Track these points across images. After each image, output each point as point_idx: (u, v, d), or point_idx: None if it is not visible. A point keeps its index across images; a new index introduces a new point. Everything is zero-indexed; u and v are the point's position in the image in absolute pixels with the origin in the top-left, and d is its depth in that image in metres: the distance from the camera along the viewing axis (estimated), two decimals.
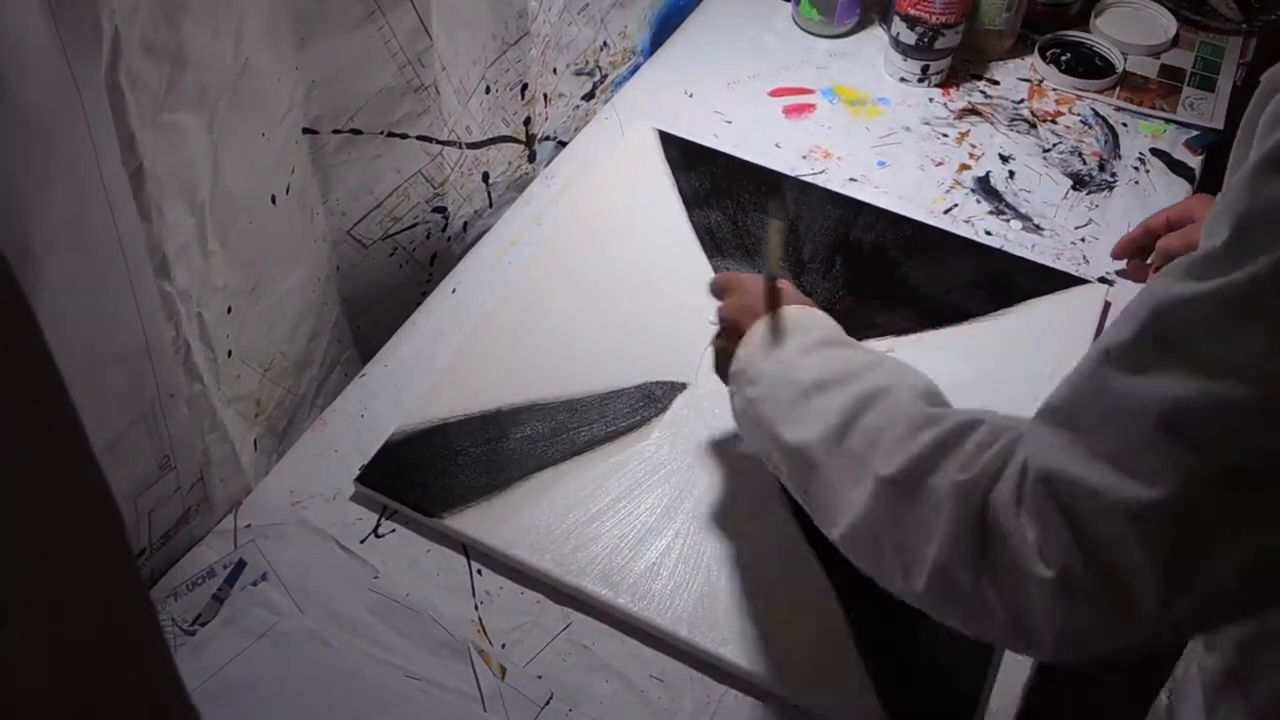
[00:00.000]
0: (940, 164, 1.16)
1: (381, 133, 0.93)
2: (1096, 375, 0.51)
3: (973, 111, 1.23)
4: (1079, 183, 1.15)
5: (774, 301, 0.75)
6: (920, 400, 0.62)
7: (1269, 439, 0.46)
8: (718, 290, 0.82)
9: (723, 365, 0.77)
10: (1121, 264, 1.06)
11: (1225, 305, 0.46)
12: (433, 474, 0.86)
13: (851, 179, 1.14)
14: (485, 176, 1.10)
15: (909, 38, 1.22)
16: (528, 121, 1.13)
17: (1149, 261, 1.04)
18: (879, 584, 0.61)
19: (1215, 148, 1.19)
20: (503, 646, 0.78)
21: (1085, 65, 1.27)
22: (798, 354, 0.70)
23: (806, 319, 0.73)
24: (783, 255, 0.79)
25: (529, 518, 0.83)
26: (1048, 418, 0.53)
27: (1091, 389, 0.51)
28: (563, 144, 1.19)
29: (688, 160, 1.12)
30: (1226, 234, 0.46)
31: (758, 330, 0.73)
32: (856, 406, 0.63)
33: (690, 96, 1.23)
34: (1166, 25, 1.31)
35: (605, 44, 1.22)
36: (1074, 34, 1.30)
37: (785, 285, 0.77)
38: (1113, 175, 1.16)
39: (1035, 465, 0.52)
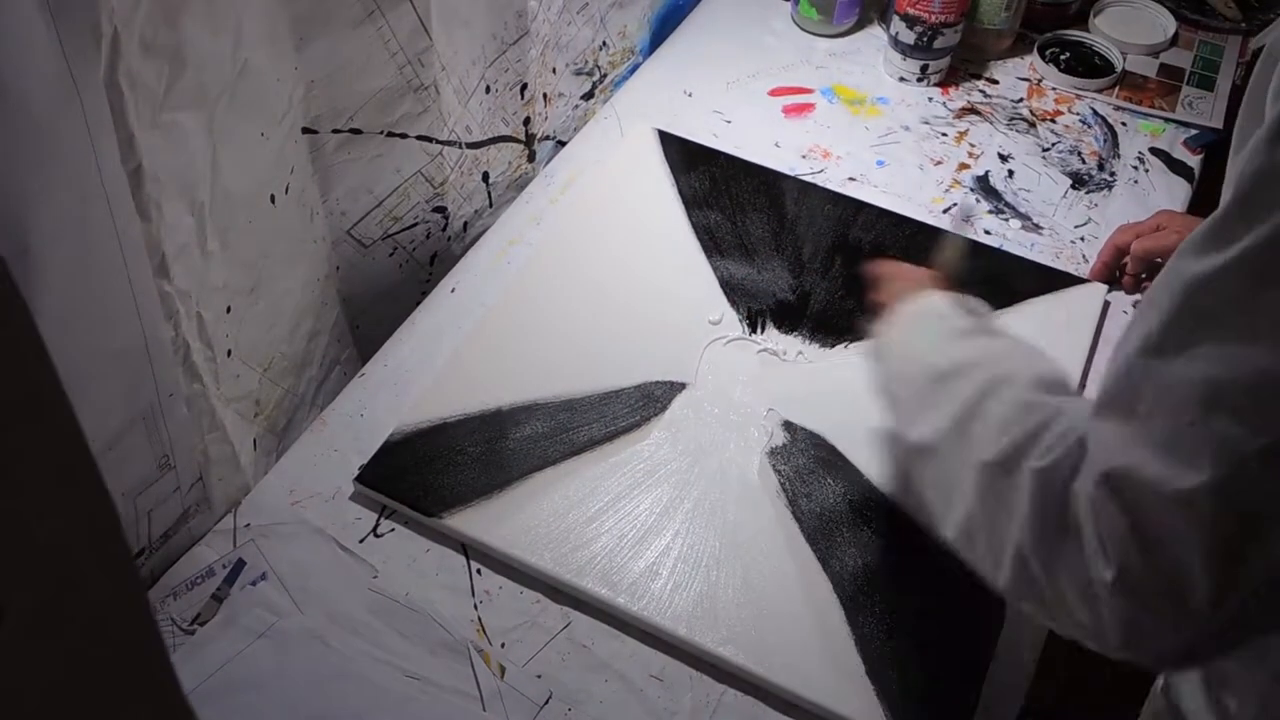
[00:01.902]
0: (939, 163, 1.16)
1: (381, 132, 0.93)
2: (1137, 364, 0.51)
3: (972, 111, 1.23)
4: (1078, 182, 1.15)
5: (928, 289, 0.78)
6: (1036, 388, 0.63)
7: None
8: (876, 277, 0.86)
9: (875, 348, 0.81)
10: None
11: (1243, 273, 0.46)
12: (432, 473, 0.86)
13: (851, 178, 1.14)
14: (485, 176, 1.10)
15: (908, 37, 1.22)
16: (527, 121, 1.13)
17: (1130, 272, 1.03)
18: (984, 581, 0.61)
19: (1214, 147, 1.19)
20: (502, 646, 0.78)
21: (1084, 64, 1.27)
22: (942, 339, 0.72)
23: (956, 306, 0.76)
24: (955, 264, 0.86)
25: (528, 517, 0.83)
26: (1103, 411, 0.54)
27: (1135, 378, 0.52)
28: (562, 144, 1.20)
29: (687, 160, 1.12)
30: (1236, 198, 0.46)
31: (908, 309, 0.77)
32: (977, 396, 0.64)
33: (690, 96, 1.23)
34: (1165, 25, 1.32)
35: (605, 44, 1.22)
36: (1073, 33, 1.30)
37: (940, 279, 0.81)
38: (1112, 174, 1.16)
39: (1095, 461, 0.53)
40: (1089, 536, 0.52)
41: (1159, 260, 0.89)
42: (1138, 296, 1.03)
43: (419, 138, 0.97)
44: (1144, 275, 1.02)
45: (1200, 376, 0.47)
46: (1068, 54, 1.29)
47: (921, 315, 0.75)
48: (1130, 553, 0.50)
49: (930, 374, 0.69)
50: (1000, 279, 1.03)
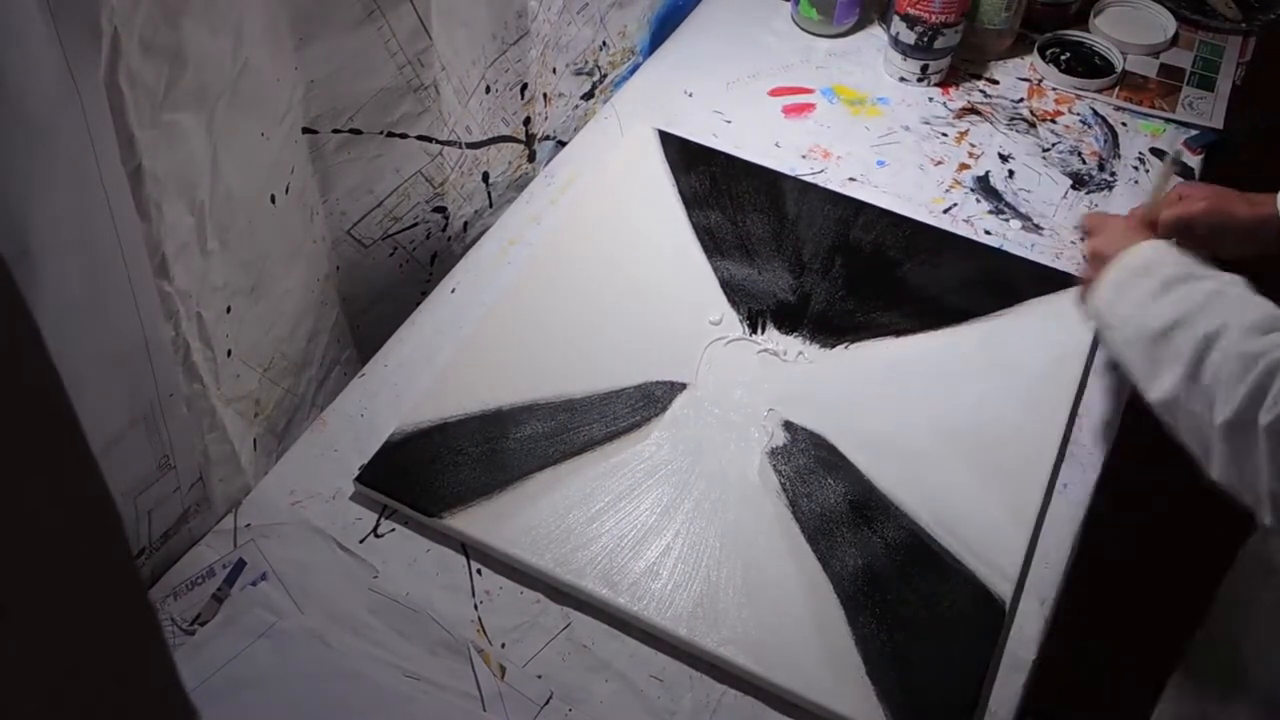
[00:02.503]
0: (940, 163, 1.16)
1: (381, 132, 0.93)
2: None
3: (972, 111, 1.23)
4: (1078, 182, 1.15)
5: (1139, 237, 0.82)
6: (1253, 334, 0.68)
7: None
8: (1087, 229, 0.91)
9: (1085, 295, 0.86)
10: None
11: None
12: (432, 473, 0.86)
13: (851, 178, 1.14)
14: (485, 176, 1.10)
15: (908, 37, 1.22)
16: (527, 121, 1.13)
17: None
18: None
19: (1215, 147, 1.19)
20: (502, 646, 0.78)
21: (1085, 65, 1.27)
22: (1148, 298, 0.76)
23: (1156, 258, 0.80)
24: (1166, 194, 0.89)
25: (529, 517, 0.83)
26: None
27: None
28: (562, 144, 1.20)
29: (687, 160, 1.12)
30: None
31: (1110, 274, 0.81)
32: (1198, 351, 0.69)
33: (690, 96, 1.23)
34: (1166, 25, 1.32)
35: (605, 44, 1.22)
36: (1073, 33, 1.30)
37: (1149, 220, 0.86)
38: (1112, 175, 1.16)
39: None
40: None
41: (1194, 229, 0.90)
42: None
43: (419, 138, 0.97)
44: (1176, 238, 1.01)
45: None
46: (1068, 54, 1.29)
47: (1127, 273, 0.79)
48: None
49: (1147, 334, 0.74)
50: (1000, 279, 1.03)
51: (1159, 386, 0.72)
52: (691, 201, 1.09)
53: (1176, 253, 0.80)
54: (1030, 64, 1.28)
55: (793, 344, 0.97)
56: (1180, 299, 0.74)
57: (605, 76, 1.25)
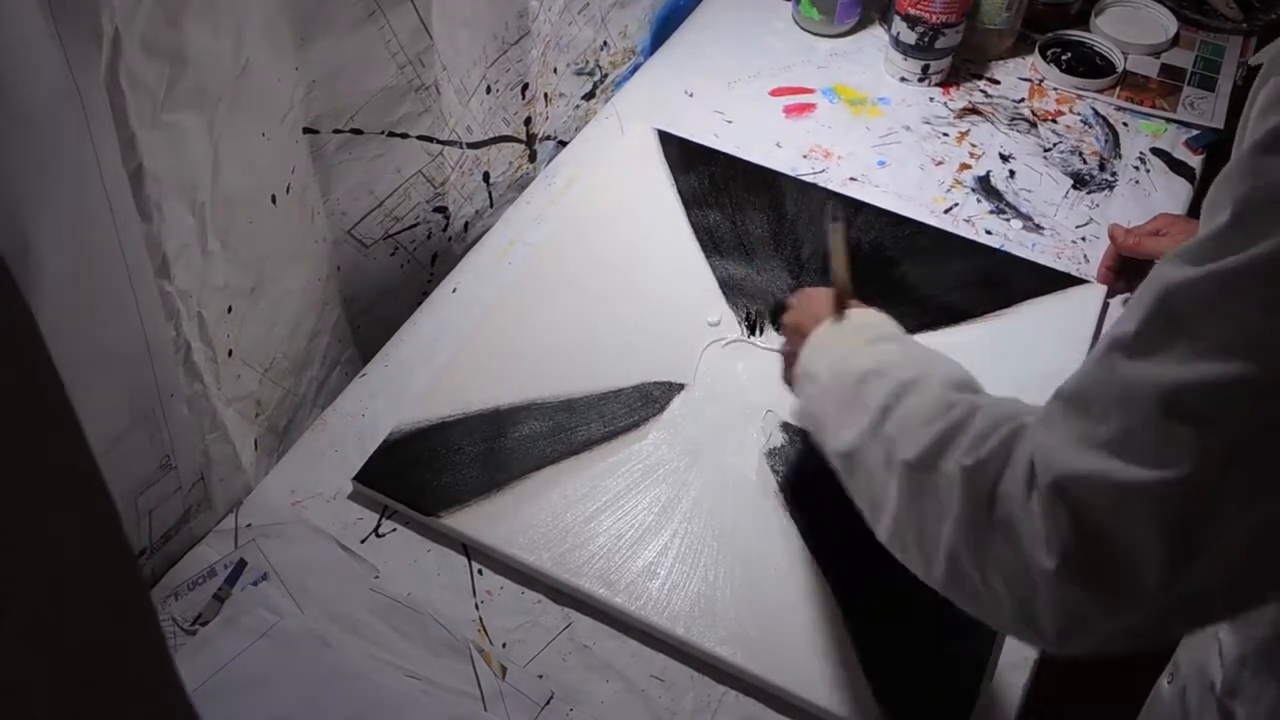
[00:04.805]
0: (940, 163, 1.16)
1: (382, 132, 0.93)
2: (1105, 362, 0.52)
3: (973, 111, 1.23)
4: (1079, 182, 1.15)
5: (840, 305, 0.77)
6: (949, 388, 0.63)
7: (1266, 412, 0.46)
8: (787, 306, 0.85)
9: (789, 371, 0.80)
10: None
11: (1224, 283, 0.47)
12: (430, 473, 0.86)
13: (852, 178, 1.14)
14: (486, 176, 1.10)
15: (909, 37, 1.22)
16: (528, 121, 1.13)
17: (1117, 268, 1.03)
18: (919, 579, 0.62)
19: (1216, 147, 1.19)
20: (503, 646, 0.78)
21: (1085, 65, 1.27)
22: (850, 350, 0.72)
23: (865, 320, 0.76)
24: (847, 260, 0.82)
25: (527, 517, 0.83)
26: (1059, 404, 0.54)
27: (1100, 376, 0.52)
28: (563, 144, 1.20)
29: (687, 160, 1.12)
30: (1228, 216, 0.47)
31: (819, 332, 0.76)
32: (891, 398, 0.64)
33: (690, 96, 1.23)
34: (1167, 25, 1.31)
35: (606, 44, 1.22)
36: (1074, 33, 1.30)
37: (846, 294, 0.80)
38: (1113, 175, 1.16)
39: (1042, 458, 0.53)
40: (1029, 529, 0.52)
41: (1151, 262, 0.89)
42: (1129, 296, 1.03)
43: (420, 138, 0.97)
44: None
45: (1166, 377, 0.48)
46: (1069, 54, 1.29)
47: (836, 329, 0.76)
48: (1074, 541, 0.50)
49: (846, 381, 0.69)
50: (1000, 279, 1.03)
51: (843, 435, 0.67)
52: (691, 201, 1.09)
53: (886, 318, 0.76)
54: (1031, 64, 1.28)
55: None
56: (884, 352, 0.70)
57: (606, 76, 1.25)
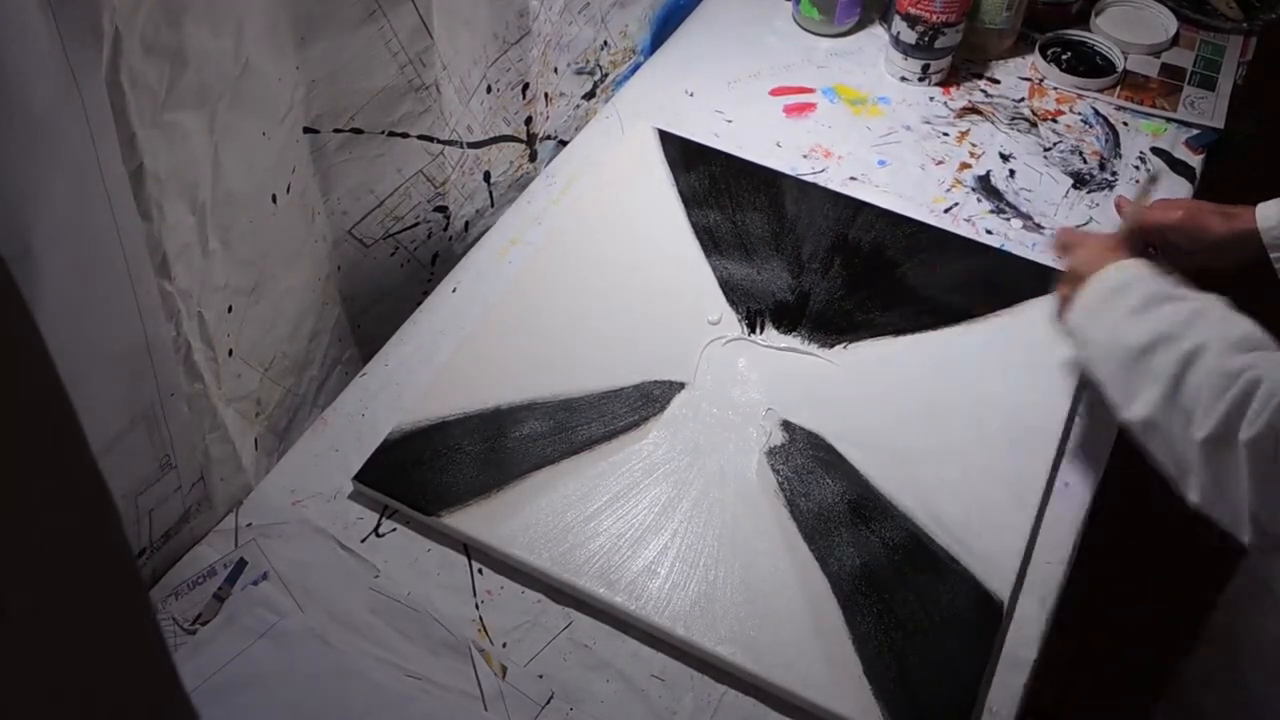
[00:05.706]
0: (941, 163, 1.16)
1: (382, 132, 0.93)
2: None
3: (973, 110, 1.23)
4: (1079, 181, 1.15)
5: (1117, 256, 0.82)
6: (1234, 351, 0.67)
7: None
8: (1062, 245, 0.92)
9: (1063, 313, 0.86)
10: None
11: None
12: (430, 472, 0.86)
13: (852, 178, 1.14)
14: (486, 176, 1.10)
15: (909, 37, 1.22)
16: (529, 121, 1.13)
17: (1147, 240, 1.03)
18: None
19: (1216, 146, 1.19)
20: (503, 645, 0.78)
21: (1086, 64, 1.27)
22: (1127, 316, 0.76)
23: (1135, 277, 0.79)
24: (1142, 213, 0.90)
25: (527, 516, 0.83)
26: None
27: None
28: (563, 143, 1.20)
29: (687, 159, 1.12)
30: None
31: (1088, 293, 0.80)
32: (1178, 370, 0.68)
33: (691, 96, 1.23)
34: (1167, 24, 1.31)
35: (606, 43, 1.22)
36: (1074, 33, 1.30)
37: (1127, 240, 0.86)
38: (1113, 174, 1.16)
39: None
40: None
41: (1167, 237, 0.90)
42: None
43: (420, 137, 0.97)
44: (1152, 248, 1.01)
45: None
46: (1069, 54, 1.29)
47: (1105, 291, 0.79)
48: None
49: (1126, 353, 0.73)
50: (1000, 279, 1.03)
51: (1136, 406, 0.72)
52: (691, 201, 1.09)
53: (1155, 272, 0.79)
54: (1031, 63, 1.28)
55: (791, 344, 0.97)
56: (1160, 318, 0.73)
57: (606, 76, 1.25)
